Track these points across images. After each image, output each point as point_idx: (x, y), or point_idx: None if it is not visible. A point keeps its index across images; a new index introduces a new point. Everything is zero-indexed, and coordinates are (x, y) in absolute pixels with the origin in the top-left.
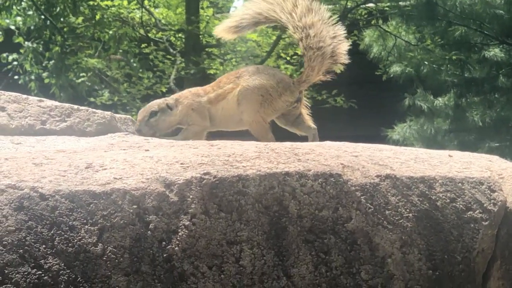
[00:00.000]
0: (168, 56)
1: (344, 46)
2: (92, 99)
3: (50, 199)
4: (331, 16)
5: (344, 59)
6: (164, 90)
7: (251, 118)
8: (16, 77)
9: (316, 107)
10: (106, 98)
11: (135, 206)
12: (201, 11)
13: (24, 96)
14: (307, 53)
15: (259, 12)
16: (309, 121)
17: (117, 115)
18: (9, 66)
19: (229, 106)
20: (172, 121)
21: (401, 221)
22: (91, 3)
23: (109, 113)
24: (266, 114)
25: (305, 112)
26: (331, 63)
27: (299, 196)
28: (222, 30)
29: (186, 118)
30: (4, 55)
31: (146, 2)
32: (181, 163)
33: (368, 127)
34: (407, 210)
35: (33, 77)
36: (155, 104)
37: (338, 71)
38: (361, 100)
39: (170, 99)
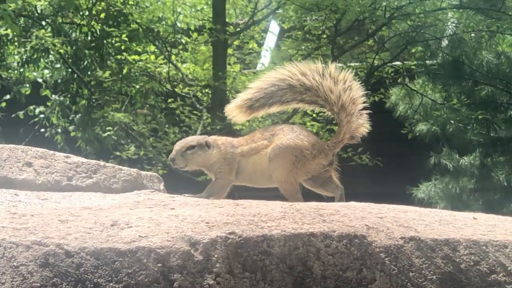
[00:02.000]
0: (195, 111)
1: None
2: (118, 153)
3: (75, 256)
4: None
5: (367, 121)
6: None
7: (283, 178)
8: (42, 130)
9: (342, 164)
10: (132, 152)
11: (160, 265)
12: (228, 67)
13: (51, 152)
14: (340, 115)
15: (282, 78)
16: (337, 182)
17: (143, 172)
18: (36, 119)
19: (261, 162)
20: (206, 159)
21: (425, 283)
22: (118, 57)
23: (135, 170)
24: (298, 175)
25: (334, 175)
26: (359, 124)
27: (323, 257)
28: (234, 107)
29: (217, 163)
30: (31, 107)
31: (173, 57)
32: (207, 222)
33: (393, 185)
34: (431, 272)
35: (59, 130)
36: (194, 138)
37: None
38: (386, 158)
39: (209, 138)
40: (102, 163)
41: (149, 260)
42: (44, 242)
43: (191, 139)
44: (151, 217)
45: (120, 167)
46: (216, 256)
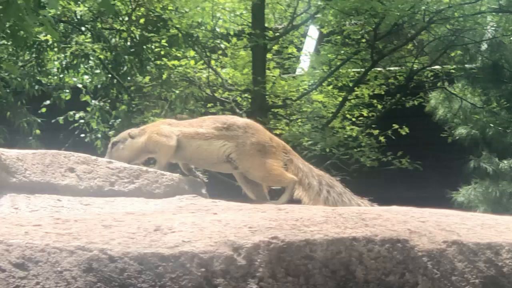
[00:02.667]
0: None
1: None
2: None
3: (119, 261)
4: None
5: None
6: None
7: (262, 173)
8: (82, 135)
9: (382, 168)
10: None
11: (203, 269)
12: (267, 71)
13: (93, 157)
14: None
15: None
16: (265, 191)
17: (185, 178)
18: (76, 124)
19: (208, 148)
20: (133, 148)
21: (467, 287)
22: (158, 62)
23: (177, 175)
24: (272, 163)
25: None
26: None
27: (366, 261)
28: None
29: (148, 142)
30: (71, 113)
31: (213, 62)
32: (249, 227)
33: (433, 188)
34: (474, 276)
35: (99, 135)
36: (120, 134)
37: (404, 133)
38: (426, 161)
39: (136, 129)
40: (144, 168)
41: (192, 265)
42: (87, 247)
43: (117, 137)
44: (194, 222)
45: (162, 172)
46: (259, 260)
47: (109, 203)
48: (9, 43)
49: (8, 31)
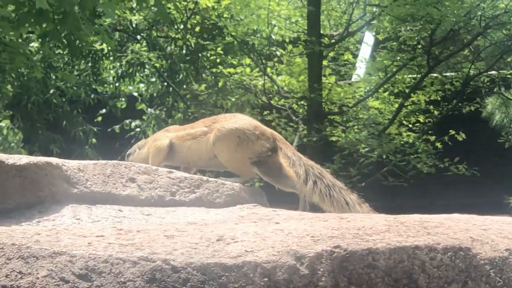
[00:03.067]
0: (290, 123)
1: None
2: None
3: (182, 271)
4: None
5: None
6: None
7: (228, 158)
8: None
9: (439, 175)
10: None
11: (266, 279)
12: (323, 78)
13: (154, 167)
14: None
15: None
16: (291, 173)
17: (246, 187)
18: (132, 133)
19: (198, 147)
20: (141, 159)
21: None
22: (214, 70)
23: (237, 184)
24: (243, 154)
25: (286, 164)
26: None
27: (428, 269)
28: None
29: (150, 151)
30: (127, 121)
31: (268, 70)
32: (312, 236)
33: (490, 194)
34: None
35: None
36: (133, 146)
37: (460, 139)
38: (483, 167)
39: (143, 141)
40: (205, 178)
41: (255, 275)
42: (150, 257)
43: (131, 148)
44: (257, 232)
45: (223, 181)
46: (321, 270)
47: (170, 213)
48: (65, 53)
49: (64, 41)
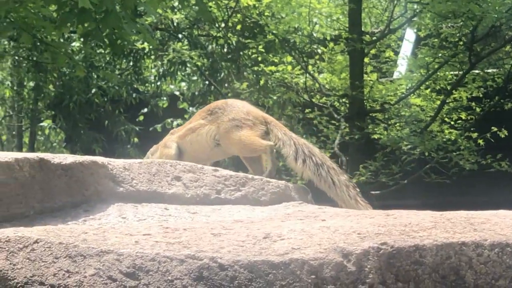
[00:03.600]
0: (332, 121)
1: None
2: None
3: (229, 269)
4: None
5: None
6: (328, 155)
7: (238, 145)
8: None
9: (481, 171)
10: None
11: (313, 276)
12: (365, 76)
13: (199, 165)
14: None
15: None
16: (264, 164)
17: (291, 184)
18: None
19: (198, 139)
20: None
21: None
22: (255, 68)
23: (283, 182)
24: (248, 134)
25: (264, 159)
26: None
27: (475, 265)
28: None
29: (161, 157)
30: (169, 120)
31: (310, 68)
32: (358, 233)
33: None
34: None
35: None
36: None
37: (503, 136)
38: None
39: (155, 146)
40: (250, 176)
41: (303, 272)
42: (198, 255)
43: (146, 154)
44: (303, 229)
45: (268, 179)
46: (369, 266)
47: (216, 211)
48: (106, 52)
49: (106, 40)
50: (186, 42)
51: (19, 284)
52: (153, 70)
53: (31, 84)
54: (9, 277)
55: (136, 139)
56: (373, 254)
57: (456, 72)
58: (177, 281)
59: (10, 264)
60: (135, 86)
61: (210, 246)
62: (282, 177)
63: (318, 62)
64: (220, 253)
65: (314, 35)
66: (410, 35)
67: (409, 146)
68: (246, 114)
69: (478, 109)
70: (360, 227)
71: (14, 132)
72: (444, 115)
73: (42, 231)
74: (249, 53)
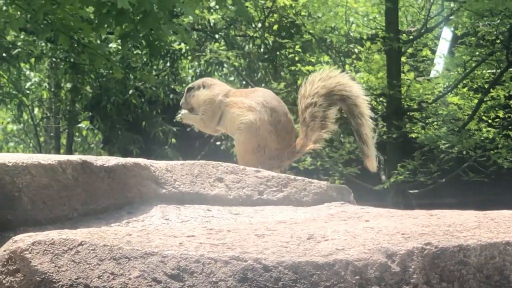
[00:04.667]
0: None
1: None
2: (294, 164)
3: (273, 270)
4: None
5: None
6: None
7: (241, 156)
8: (218, 143)
9: None
10: (309, 163)
11: (357, 277)
12: (402, 75)
13: (241, 167)
14: (310, 122)
15: None
16: None
17: (333, 185)
18: None
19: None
20: (199, 99)
21: None
22: (292, 68)
23: (325, 182)
24: (257, 160)
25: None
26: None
27: None
28: None
29: (203, 105)
30: None
31: (347, 67)
32: (402, 234)
33: None
34: None
35: (234, 143)
36: (196, 81)
37: None
38: None
39: (209, 80)
40: (292, 176)
41: (347, 273)
42: (242, 257)
43: (193, 83)
44: (347, 230)
45: (310, 180)
46: (413, 267)
47: (258, 212)
48: (143, 53)
49: (143, 41)
50: (223, 43)
51: (64, 287)
52: (190, 71)
53: (69, 85)
54: (54, 280)
55: (173, 140)
56: (417, 254)
57: (494, 70)
58: (222, 283)
59: (55, 266)
60: (172, 86)
61: (254, 248)
62: (320, 177)
63: (355, 61)
64: (264, 254)
65: (351, 34)
66: (447, 33)
67: (447, 145)
68: (274, 147)
69: None
70: (403, 227)
71: (51, 134)
72: (482, 114)
73: (86, 234)
74: (286, 53)
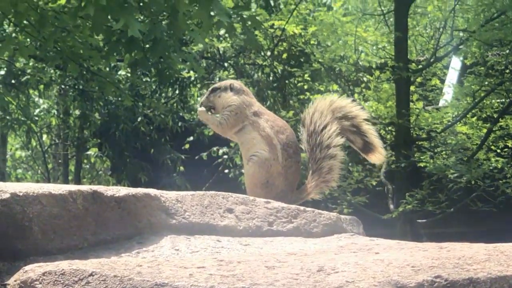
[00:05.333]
0: None
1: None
2: None
3: None
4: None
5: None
6: (374, 183)
7: (250, 189)
8: (226, 170)
9: None
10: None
11: None
12: (411, 104)
13: (251, 198)
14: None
15: None
16: None
17: (342, 216)
18: (219, 160)
19: (252, 141)
20: (224, 101)
21: None
22: (301, 97)
23: (334, 214)
24: (264, 196)
25: None
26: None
27: None
28: None
29: (228, 110)
30: (215, 149)
31: (356, 96)
32: (412, 266)
33: None
34: None
35: (243, 170)
36: (222, 82)
37: None
38: None
39: (238, 84)
40: (301, 207)
41: None
42: None
43: (219, 83)
44: (357, 262)
45: (320, 211)
46: None
47: (268, 243)
48: (152, 80)
49: (153, 69)
50: (232, 71)
51: None
52: (199, 99)
53: (77, 112)
54: None
55: (182, 168)
56: (427, 287)
57: (503, 100)
58: None
59: None
60: (181, 114)
61: (264, 279)
62: (328, 206)
63: (364, 90)
64: (274, 286)
65: (360, 63)
66: (456, 63)
67: (455, 174)
68: (280, 188)
69: None
70: (413, 260)
71: (60, 161)
72: (491, 143)
73: (96, 264)
74: (295, 81)
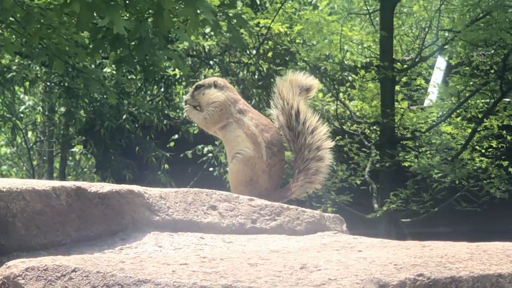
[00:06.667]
0: (363, 149)
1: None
2: None
3: None
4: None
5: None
6: (358, 182)
7: (234, 186)
8: (211, 169)
9: None
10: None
11: None
12: (395, 103)
13: (235, 195)
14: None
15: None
16: None
17: (326, 214)
18: (204, 158)
19: (236, 138)
20: (209, 97)
21: None
22: None
23: (318, 212)
24: (248, 194)
25: None
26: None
27: None
28: None
29: (212, 106)
30: (199, 147)
31: (341, 95)
32: (395, 264)
33: None
34: None
35: (228, 169)
36: (206, 80)
37: None
38: None
39: (221, 80)
40: (285, 205)
41: None
42: (234, 286)
43: (203, 81)
44: (340, 260)
45: (303, 209)
46: None
47: (251, 240)
48: (137, 78)
49: (138, 66)
50: (217, 69)
51: None
52: (184, 97)
53: (63, 109)
54: None
55: (166, 166)
56: (410, 285)
57: (488, 100)
58: None
59: None
60: (166, 112)
61: (247, 276)
62: (313, 205)
63: (349, 89)
64: (257, 283)
65: (345, 62)
66: (441, 63)
67: (439, 174)
68: (264, 187)
69: (509, 137)
70: (396, 258)
71: (45, 158)
72: (475, 143)
73: (79, 260)
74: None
